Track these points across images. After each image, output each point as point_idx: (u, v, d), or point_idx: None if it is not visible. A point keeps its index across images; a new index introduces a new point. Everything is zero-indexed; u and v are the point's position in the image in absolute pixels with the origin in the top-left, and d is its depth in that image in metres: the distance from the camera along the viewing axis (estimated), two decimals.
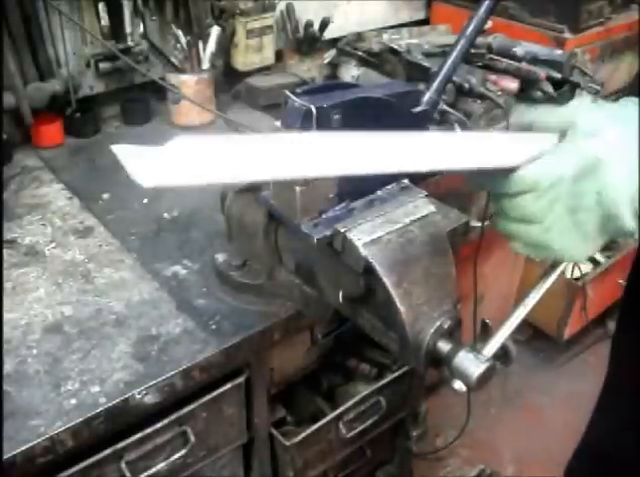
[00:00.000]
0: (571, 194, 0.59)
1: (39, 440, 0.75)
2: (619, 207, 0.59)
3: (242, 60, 1.67)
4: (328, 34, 1.82)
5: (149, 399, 0.84)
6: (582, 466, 1.10)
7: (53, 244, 1.09)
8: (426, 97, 0.90)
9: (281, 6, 1.77)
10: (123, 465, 0.88)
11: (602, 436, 1.05)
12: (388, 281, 0.72)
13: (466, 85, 1.54)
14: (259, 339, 0.94)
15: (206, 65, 1.55)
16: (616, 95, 2.14)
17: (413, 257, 0.75)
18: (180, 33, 1.50)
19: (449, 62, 0.91)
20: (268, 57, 1.72)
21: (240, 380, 0.98)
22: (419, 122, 0.91)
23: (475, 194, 1.70)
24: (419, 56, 1.60)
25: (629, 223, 0.59)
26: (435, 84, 0.90)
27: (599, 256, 2.33)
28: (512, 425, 2.11)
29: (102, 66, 1.47)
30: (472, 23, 0.91)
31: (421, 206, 0.89)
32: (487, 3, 0.91)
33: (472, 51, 1.69)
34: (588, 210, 0.59)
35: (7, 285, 0.99)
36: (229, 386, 0.96)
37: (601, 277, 2.25)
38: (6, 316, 0.92)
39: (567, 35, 1.86)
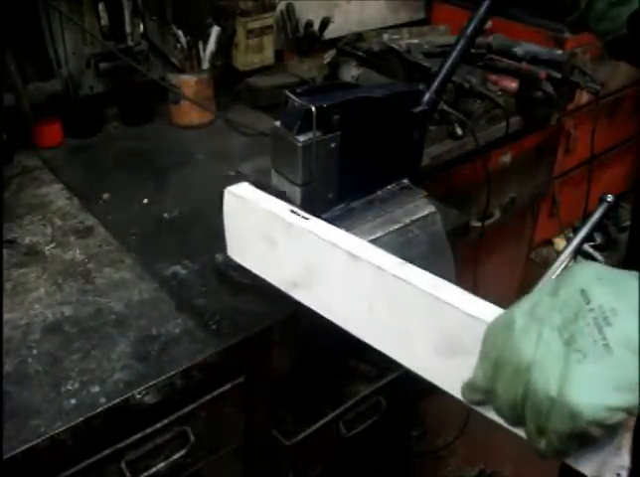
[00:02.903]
0: (554, 307, 0.47)
1: (39, 440, 0.75)
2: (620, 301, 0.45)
3: (242, 60, 1.67)
4: (328, 34, 1.83)
5: (149, 399, 0.84)
6: None
7: (53, 244, 1.09)
8: (426, 97, 0.90)
9: (281, 6, 1.78)
10: (123, 465, 0.88)
11: None
12: None
13: (466, 85, 1.54)
14: (259, 339, 0.94)
15: (206, 65, 1.55)
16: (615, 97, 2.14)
17: (413, 257, 0.75)
18: (180, 33, 1.50)
19: (449, 62, 0.91)
20: (268, 57, 1.72)
21: (240, 380, 0.98)
22: (419, 122, 0.91)
23: (475, 194, 1.70)
24: (419, 56, 1.60)
25: None
26: (435, 85, 0.90)
27: (599, 256, 2.33)
28: None
29: (102, 66, 1.48)
30: (472, 23, 0.92)
31: (421, 206, 0.90)
32: (487, 3, 0.91)
33: (472, 51, 1.69)
34: (577, 316, 0.46)
35: (7, 285, 0.99)
36: (229, 386, 0.96)
37: None
38: (6, 316, 0.92)
39: (567, 35, 1.86)
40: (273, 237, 0.76)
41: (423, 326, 0.59)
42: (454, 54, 0.91)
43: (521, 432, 0.50)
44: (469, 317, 0.55)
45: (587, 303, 0.46)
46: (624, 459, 0.47)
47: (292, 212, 0.75)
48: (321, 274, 0.70)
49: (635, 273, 0.48)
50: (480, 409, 0.53)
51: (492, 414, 0.52)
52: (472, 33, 0.91)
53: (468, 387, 0.52)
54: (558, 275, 0.50)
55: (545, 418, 0.46)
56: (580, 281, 0.47)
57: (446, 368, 0.56)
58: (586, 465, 0.48)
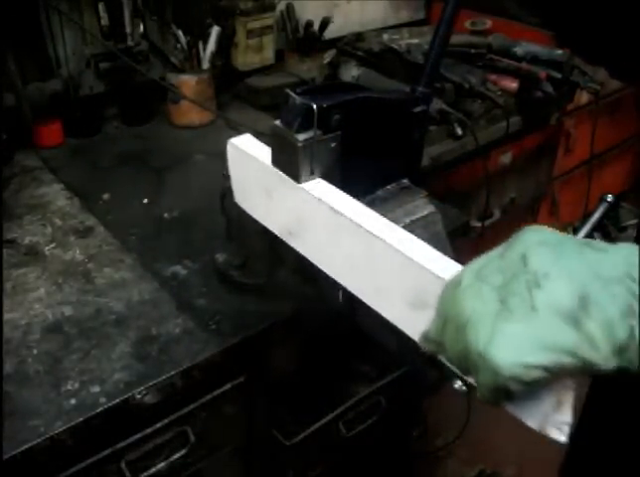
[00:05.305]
0: (499, 269, 0.49)
1: (39, 440, 0.75)
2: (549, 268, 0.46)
3: (242, 60, 1.67)
4: (328, 34, 1.83)
5: (149, 399, 0.84)
6: (576, 461, 1.10)
7: (53, 244, 1.09)
8: (417, 93, 0.89)
9: (281, 6, 1.77)
10: (123, 465, 0.88)
11: (592, 427, 1.04)
12: None
13: (466, 85, 1.54)
14: (259, 339, 0.94)
15: (206, 65, 1.55)
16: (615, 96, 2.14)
17: None
18: (180, 33, 1.50)
19: (433, 51, 0.88)
20: (268, 57, 1.72)
21: (241, 380, 0.98)
22: (419, 122, 0.90)
23: (475, 194, 1.70)
24: (419, 56, 1.60)
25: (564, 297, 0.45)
26: (424, 78, 0.88)
27: None
28: (512, 425, 2.10)
29: (102, 66, 1.48)
30: (449, 6, 0.88)
31: (421, 206, 0.89)
32: None
33: (472, 51, 1.69)
34: (514, 278, 0.47)
35: (7, 285, 0.99)
36: (229, 386, 0.96)
37: None
38: (6, 316, 0.92)
39: None
40: (269, 188, 0.80)
41: (397, 281, 0.63)
42: (437, 40, 0.88)
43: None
44: (432, 275, 0.59)
45: (525, 266, 0.47)
46: (566, 416, 0.50)
47: None
48: (309, 226, 0.76)
49: (584, 240, 0.49)
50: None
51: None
52: (449, 15, 0.88)
53: (423, 338, 0.56)
54: (511, 238, 0.52)
55: (475, 372, 0.48)
56: (523, 245, 0.49)
57: (417, 321, 0.59)
58: (530, 419, 0.52)
